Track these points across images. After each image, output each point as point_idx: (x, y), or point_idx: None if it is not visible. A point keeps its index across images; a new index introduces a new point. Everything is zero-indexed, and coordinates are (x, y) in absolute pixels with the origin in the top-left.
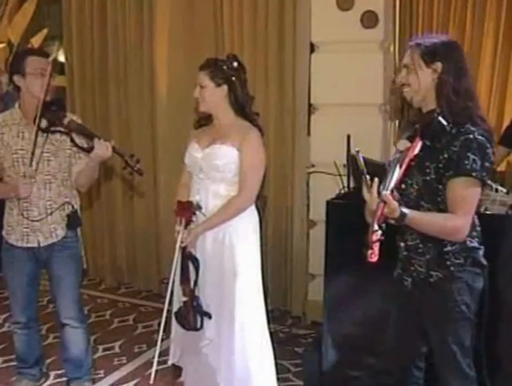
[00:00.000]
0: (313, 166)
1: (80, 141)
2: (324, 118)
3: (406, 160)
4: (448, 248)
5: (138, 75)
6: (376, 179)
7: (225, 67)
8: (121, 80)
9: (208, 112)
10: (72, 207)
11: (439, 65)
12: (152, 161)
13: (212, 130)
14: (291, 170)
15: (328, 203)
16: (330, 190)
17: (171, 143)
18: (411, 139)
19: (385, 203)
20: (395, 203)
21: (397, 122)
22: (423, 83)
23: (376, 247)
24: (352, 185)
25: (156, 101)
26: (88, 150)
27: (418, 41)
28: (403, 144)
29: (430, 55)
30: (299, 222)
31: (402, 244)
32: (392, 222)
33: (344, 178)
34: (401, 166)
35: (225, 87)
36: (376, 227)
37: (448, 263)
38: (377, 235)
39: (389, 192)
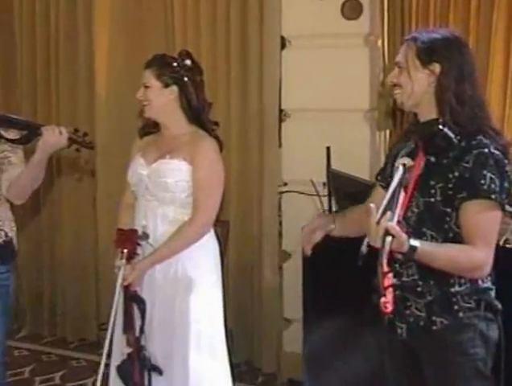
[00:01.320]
0: (286, 184)
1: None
2: (298, 127)
3: (412, 182)
4: (456, 288)
5: (71, 71)
6: (373, 205)
7: (175, 65)
8: (51, 76)
9: (154, 119)
10: (6, 234)
11: (437, 66)
12: (88, 176)
13: (160, 141)
14: (258, 189)
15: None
16: (307, 215)
17: (112, 155)
18: (413, 155)
19: (392, 236)
20: (404, 236)
21: (387, 132)
22: (417, 86)
23: (390, 293)
24: (333, 208)
25: (94, 104)
26: (25, 142)
27: (415, 35)
28: (403, 161)
29: (427, 53)
30: (269, 253)
31: (394, 281)
32: (399, 257)
33: (324, 199)
34: (405, 190)
35: (174, 88)
36: (386, 268)
37: (456, 307)
38: (390, 278)
39: (395, 222)
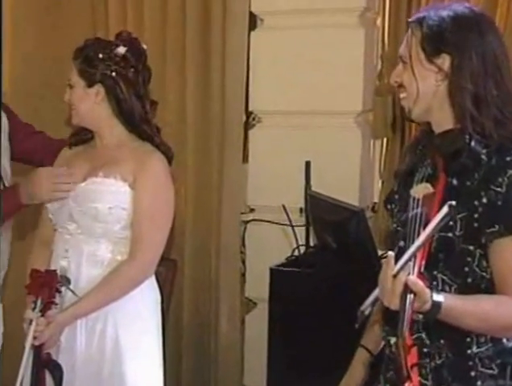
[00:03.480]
0: (252, 210)
1: None
2: (270, 135)
3: (437, 219)
4: (474, 349)
5: None
6: (392, 254)
7: (101, 56)
8: None
9: (83, 126)
10: None
11: (446, 59)
12: None
13: (91, 153)
14: (216, 217)
15: (273, 271)
16: (277, 250)
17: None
18: (433, 179)
19: (414, 294)
20: (428, 291)
21: (384, 140)
22: (422, 87)
23: (415, 373)
24: (311, 241)
25: None
26: None
27: (421, 15)
28: (422, 189)
29: (432, 41)
30: (228, 301)
31: (393, 340)
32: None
33: (300, 231)
34: (425, 228)
35: (100, 87)
36: (410, 339)
37: (473, 373)
38: (415, 353)
39: (416, 274)
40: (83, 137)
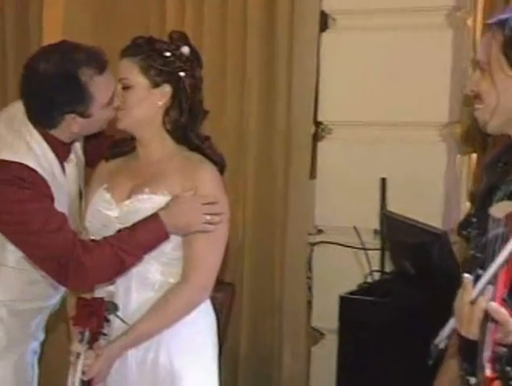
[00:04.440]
0: (320, 231)
1: None
2: (341, 148)
3: None
4: None
5: (16, 57)
6: (469, 277)
7: (168, 54)
8: None
9: (130, 133)
10: None
11: None
12: None
13: (134, 167)
14: (280, 238)
15: (343, 299)
16: (348, 276)
17: None
18: None
19: (496, 322)
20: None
21: (473, 156)
22: (503, 97)
23: None
24: (387, 266)
25: None
26: None
27: (504, 17)
28: (505, 207)
29: None
30: (292, 331)
31: (473, 381)
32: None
33: (374, 255)
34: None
35: (167, 88)
36: (491, 372)
37: None
38: None
39: (497, 301)
40: (123, 149)
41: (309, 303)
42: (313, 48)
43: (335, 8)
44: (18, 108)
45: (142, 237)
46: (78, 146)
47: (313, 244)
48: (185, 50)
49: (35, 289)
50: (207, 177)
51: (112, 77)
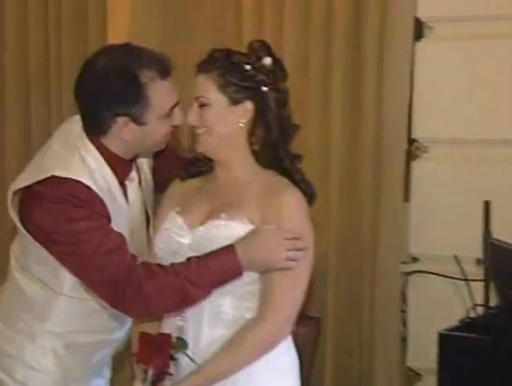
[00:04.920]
0: (415, 260)
1: None
2: (438, 168)
3: None
4: None
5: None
6: None
7: (248, 68)
8: (43, 72)
9: (210, 156)
10: None
11: None
12: None
13: (211, 189)
14: (370, 267)
15: (442, 336)
16: (448, 311)
17: None
18: None
19: None
20: None
21: None
22: None
23: None
24: (492, 300)
25: None
26: None
27: None
28: None
29: None
30: (384, 372)
31: None
32: None
33: (477, 286)
34: None
35: (248, 105)
36: None
37: None
38: None
39: None
40: (200, 168)
41: (403, 340)
42: (407, 59)
43: (431, 15)
44: (73, 123)
45: (213, 270)
46: (145, 167)
47: (407, 274)
48: (267, 61)
49: (94, 320)
50: (292, 206)
51: (174, 87)
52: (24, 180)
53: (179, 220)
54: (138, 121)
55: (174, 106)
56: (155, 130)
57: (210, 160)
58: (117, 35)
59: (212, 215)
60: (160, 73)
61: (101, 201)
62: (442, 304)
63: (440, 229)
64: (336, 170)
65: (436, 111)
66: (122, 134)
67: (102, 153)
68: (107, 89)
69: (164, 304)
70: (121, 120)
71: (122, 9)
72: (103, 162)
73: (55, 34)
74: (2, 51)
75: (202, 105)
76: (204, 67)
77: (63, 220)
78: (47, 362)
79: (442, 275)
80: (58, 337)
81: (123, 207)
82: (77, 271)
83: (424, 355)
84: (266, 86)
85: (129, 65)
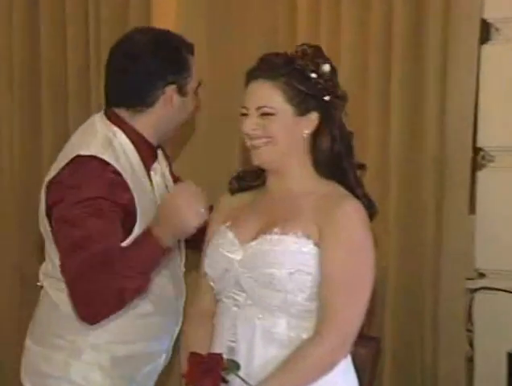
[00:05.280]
0: (481, 276)
1: None
2: (506, 178)
3: None
4: None
5: None
6: None
7: (313, 76)
8: (82, 83)
9: (269, 167)
10: None
11: None
12: None
13: (263, 201)
14: (432, 283)
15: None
16: None
17: None
18: None
19: None
20: None
21: None
22: None
23: None
24: None
25: None
26: None
27: None
28: None
29: None
30: None
31: None
32: None
33: None
34: None
35: (313, 115)
36: None
37: None
38: None
39: None
40: (252, 183)
41: (470, 361)
42: (472, 62)
43: (499, 16)
44: (94, 117)
45: (136, 257)
46: (167, 172)
47: (474, 291)
48: (326, 68)
49: (134, 328)
50: (352, 218)
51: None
52: (52, 171)
53: (230, 235)
54: (182, 91)
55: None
56: (189, 104)
57: (261, 173)
58: None
59: (264, 229)
60: (191, 50)
61: (123, 183)
62: (511, 322)
63: (508, 242)
64: (395, 181)
65: (503, 118)
66: (167, 107)
67: (128, 135)
68: (162, 57)
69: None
70: (169, 90)
71: (167, 9)
72: (129, 143)
73: (95, 37)
74: (37, 52)
75: (264, 114)
76: (265, 73)
77: (73, 201)
78: (95, 377)
79: (510, 291)
80: (103, 350)
81: (148, 190)
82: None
83: (493, 377)
84: (328, 94)
85: (168, 38)
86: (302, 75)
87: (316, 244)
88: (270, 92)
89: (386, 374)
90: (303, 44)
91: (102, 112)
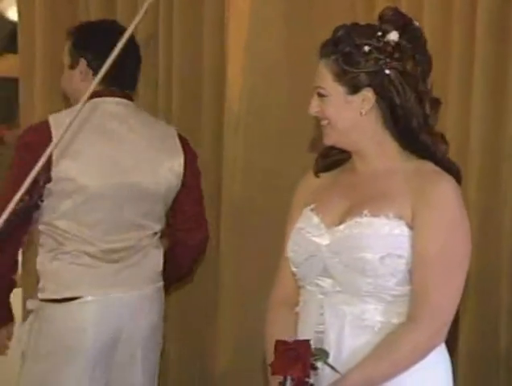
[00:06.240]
0: None
1: None
2: None
3: None
4: None
5: (191, 69)
6: None
7: (366, 50)
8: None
9: (343, 148)
10: None
11: None
12: (213, 235)
13: (349, 182)
14: (509, 272)
15: None
16: None
17: (252, 210)
18: None
19: None
20: None
21: None
22: None
23: None
24: None
25: (225, 118)
26: None
27: None
28: None
29: None
30: None
31: None
32: None
33: None
34: None
35: (368, 92)
36: None
37: None
38: None
39: None
40: (334, 158)
41: None
42: None
43: None
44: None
45: None
46: None
47: None
48: (393, 36)
49: None
50: (445, 192)
51: None
52: None
53: (315, 219)
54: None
55: None
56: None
57: (344, 151)
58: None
59: (352, 212)
60: None
61: None
62: None
63: None
64: (476, 156)
65: None
66: None
67: None
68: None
69: None
70: None
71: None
72: None
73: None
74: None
75: (320, 95)
76: (323, 50)
77: None
78: None
79: None
80: None
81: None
82: None
83: None
84: (389, 68)
85: None
86: (358, 50)
87: (409, 226)
88: (322, 71)
89: (460, 365)
90: (387, 8)
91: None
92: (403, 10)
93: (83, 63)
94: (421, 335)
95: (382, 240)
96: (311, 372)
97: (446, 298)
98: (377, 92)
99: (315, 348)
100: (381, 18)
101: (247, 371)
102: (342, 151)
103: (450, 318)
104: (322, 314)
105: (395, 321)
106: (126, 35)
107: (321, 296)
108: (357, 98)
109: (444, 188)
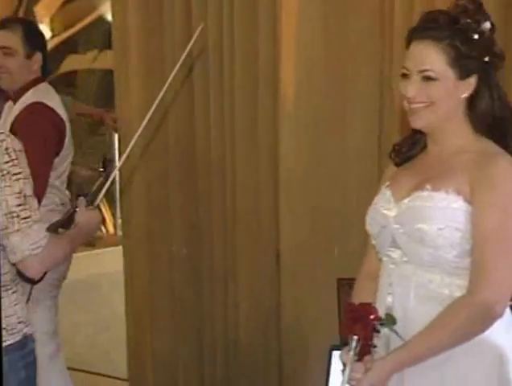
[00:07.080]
0: None
1: None
2: None
3: None
4: None
5: (249, 63)
6: None
7: (476, 37)
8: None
9: (427, 130)
10: None
11: None
12: (273, 217)
13: (421, 163)
14: None
15: None
16: None
17: (304, 192)
18: None
19: None
20: None
21: None
22: None
23: None
24: None
25: (280, 110)
26: None
27: None
28: None
29: None
30: None
31: None
32: None
33: None
34: None
35: (473, 79)
36: None
37: None
38: None
39: None
40: (407, 153)
41: None
42: None
43: None
44: None
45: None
46: None
47: None
48: (487, 26)
49: None
50: (504, 171)
51: None
52: None
53: (387, 194)
54: None
55: None
56: None
57: (419, 138)
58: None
59: (417, 187)
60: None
61: None
62: None
63: None
64: None
65: None
66: None
67: None
68: None
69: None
70: None
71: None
72: None
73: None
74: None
75: (427, 78)
76: (429, 33)
77: None
78: None
79: None
80: None
81: None
82: None
83: None
84: (488, 55)
85: None
86: (465, 36)
87: (467, 201)
88: (434, 55)
89: None
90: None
91: None
92: None
93: None
94: (472, 309)
95: (440, 212)
96: (374, 335)
97: (504, 275)
98: (480, 79)
99: (385, 314)
100: (465, 10)
101: None
102: (412, 146)
103: (507, 294)
104: (391, 284)
105: (458, 293)
106: (181, 60)
107: (392, 266)
108: (463, 84)
109: (503, 168)
